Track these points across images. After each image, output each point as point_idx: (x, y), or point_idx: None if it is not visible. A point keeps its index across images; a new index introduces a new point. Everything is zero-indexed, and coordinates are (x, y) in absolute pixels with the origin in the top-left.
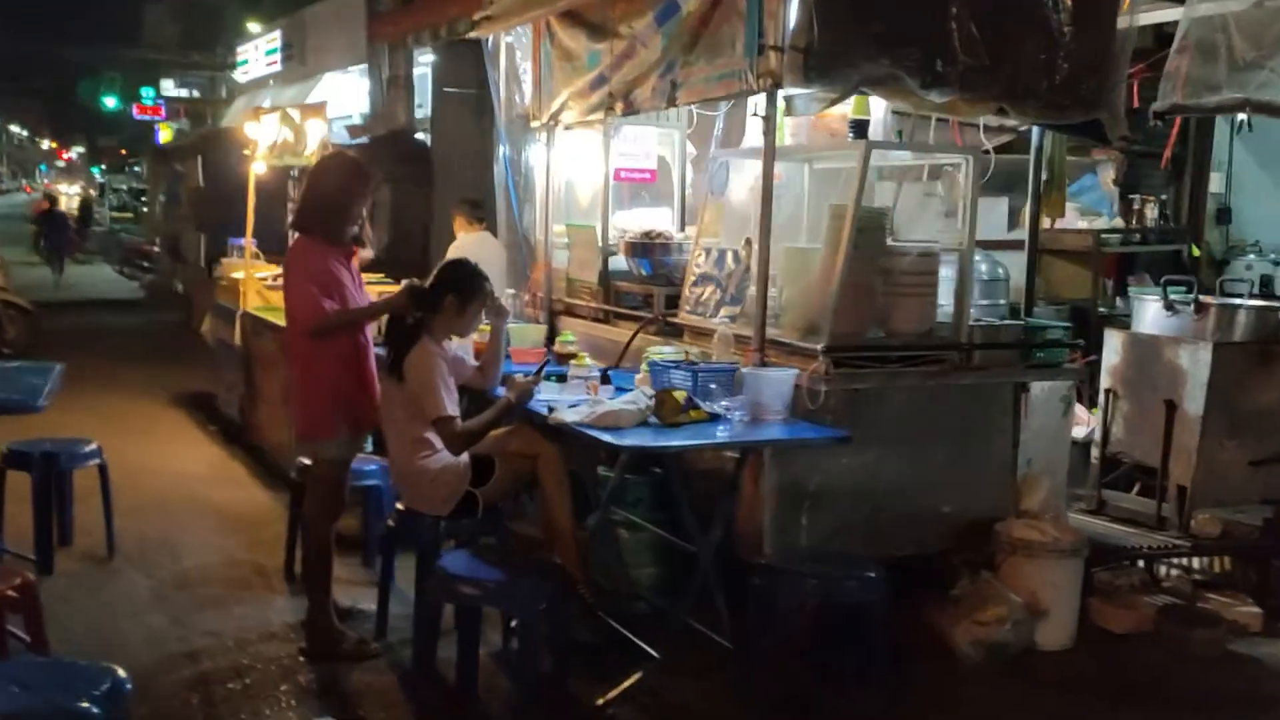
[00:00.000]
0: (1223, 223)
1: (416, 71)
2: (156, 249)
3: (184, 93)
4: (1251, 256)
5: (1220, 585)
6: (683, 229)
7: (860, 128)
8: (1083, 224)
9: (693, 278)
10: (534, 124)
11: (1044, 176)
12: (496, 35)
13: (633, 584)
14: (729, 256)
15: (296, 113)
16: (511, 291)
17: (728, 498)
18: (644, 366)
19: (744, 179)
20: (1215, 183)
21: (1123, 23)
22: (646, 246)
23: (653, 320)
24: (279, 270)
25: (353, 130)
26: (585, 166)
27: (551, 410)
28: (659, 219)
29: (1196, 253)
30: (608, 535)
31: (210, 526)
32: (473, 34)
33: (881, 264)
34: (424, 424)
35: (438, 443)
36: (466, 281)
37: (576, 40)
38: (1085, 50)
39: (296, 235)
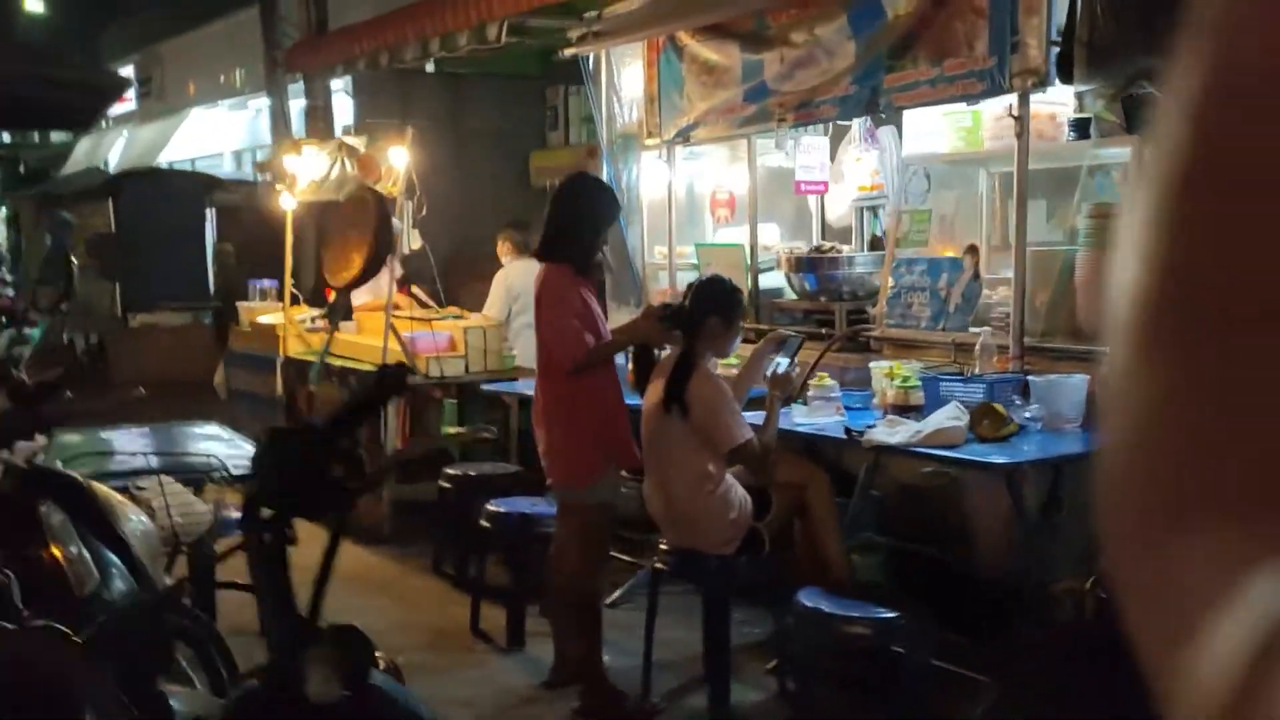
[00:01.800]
0: None
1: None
2: (19, 301)
3: None
4: None
5: None
6: (814, 242)
7: (1082, 126)
8: None
9: (890, 290)
10: (649, 142)
11: None
12: (598, 53)
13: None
14: (944, 265)
15: (358, 141)
16: None
17: (1040, 517)
18: (891, 383)
19: (945, 187)
20: None
21: None
22: (814, 261)
23: (840, 337)
24: (317, 312)
25: (260, 167)
26: (701, 185)
27: (855, 433)
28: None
29: None
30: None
31: (334, 587)
32: (571, 51)
33: None
34: (711, 456)
35: (720, 476)
36: (727, 299)
37: (724, 52)
38: None
39: (544, 265)
